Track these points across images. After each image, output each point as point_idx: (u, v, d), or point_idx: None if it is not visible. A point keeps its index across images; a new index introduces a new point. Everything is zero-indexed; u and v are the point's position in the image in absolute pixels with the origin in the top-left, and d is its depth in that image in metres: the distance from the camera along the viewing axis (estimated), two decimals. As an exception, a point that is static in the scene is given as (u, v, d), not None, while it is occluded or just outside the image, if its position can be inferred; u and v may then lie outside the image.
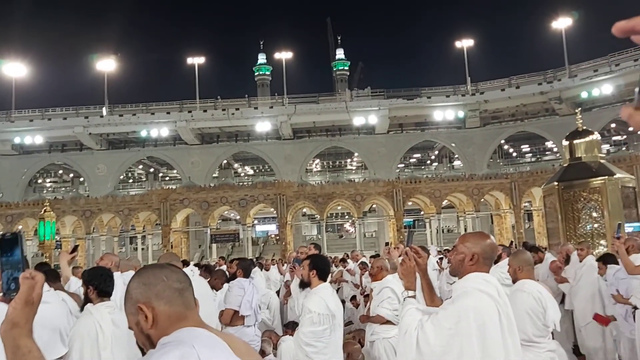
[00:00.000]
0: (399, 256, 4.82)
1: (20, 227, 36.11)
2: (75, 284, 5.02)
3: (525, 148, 53.15)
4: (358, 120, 44.82)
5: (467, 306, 2.63)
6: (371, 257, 13.62)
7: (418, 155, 54.68)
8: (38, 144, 45.11)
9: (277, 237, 40.36)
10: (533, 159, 53.25)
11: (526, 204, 38.01)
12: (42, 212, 13.83)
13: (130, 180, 55.16)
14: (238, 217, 38.77)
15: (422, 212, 40.69)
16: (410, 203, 38.21)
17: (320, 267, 4.81)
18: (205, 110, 45.80)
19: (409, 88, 47.74)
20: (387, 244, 9.82)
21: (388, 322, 5.59)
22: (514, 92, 43.60)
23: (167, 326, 1.45)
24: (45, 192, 51.48)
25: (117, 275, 4.75)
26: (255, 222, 42.73)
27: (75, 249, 5.53)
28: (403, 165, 52.61)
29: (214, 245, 39.85)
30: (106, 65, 48.11)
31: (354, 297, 10.08)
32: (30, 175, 47.32)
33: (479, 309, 2.62)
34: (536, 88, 43.04)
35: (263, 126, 45.03)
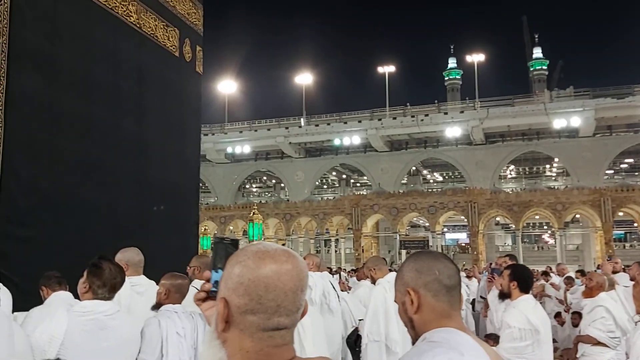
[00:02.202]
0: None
1: (231, 227, 40.41)
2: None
3: None
4: (558, 123, 41.44)
5: None
6: (577, 272, 12.49)
7: (630, 160, 48.57)
8: (246, 153, 50.11)
9: (466, 246, 39.11)
10: None
11: None
12: (251, 215, 15.31)
13: (325, 186, 58.12)
14: (427, 224, 38.48)
15: (635, 224, 36.04)
16: (621, 213, 34.13)
17: (522, 278, 4.55)
18: (394, 118, 46.42)
19: (619, 86, 42.80)
20: (609, 258, 8.89)
21: (600, 343, 5.09)
22: None
23: (431, 319, 1.47)
24: (251, 196, 56.81)
25: (317, 275, 5.08)
26: (445, 229, 41.94)
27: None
28: (612, 171, 47.22)
29: (403, 251, 40.07)
30: (304, 78, 51.70)
31: (558, 314, 9.34)
32: (240, 181, 52.63)
33: None
34: None
35: (453, 131, 44.11)
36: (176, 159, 11.27)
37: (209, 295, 1.20)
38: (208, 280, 1.18)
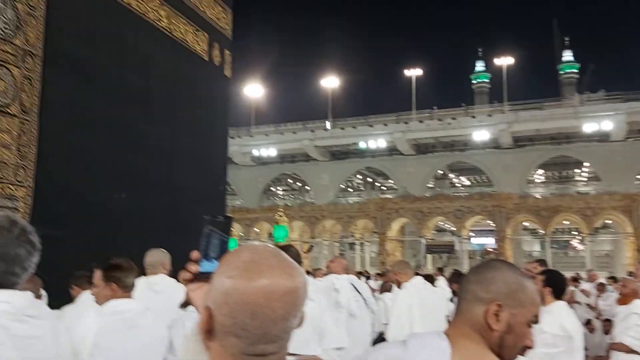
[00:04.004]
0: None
1: (256, 229, 40.65)
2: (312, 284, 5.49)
3: None
4: (589, 127, 40.65)
5: None
6: (608, 278, 12.24)
7: (665, 165, 47.31)
8: (272, 155, 50.38)
9: (493, 251, 38.61)
10: None
11: None
12: (276, 217, 15.40)
13: (350, 189, 58.05)
14: (453, 229, 38.12)
15: (669, 231, 35.07)
16: (654, 220, 33.27)
17: (556, 283, 4.49)
18: (421, 121, 46.14)
19: (653, 89, 41.76)
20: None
21: (633, 351, 4.98)
22: None
23: None
24: (277, 199, 57.05)
25: (344, 277, 5.09)
26: (472, 234, 41.49)
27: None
28: (646, 176, 46.11)
29: (429, 256, 39.75)
30: (329, 82, 51.79)
31: (589, 321, 9.16)
32: (265, 184, 52.89)
33: None
34: None
35: (480, 135, 43.62)
36: (204, 162, 11.41)
37: (196, 277, 1.12)
38: (196, 261, 1.11)
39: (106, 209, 8.63)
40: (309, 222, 39.39)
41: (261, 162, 51.69)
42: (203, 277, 1.10)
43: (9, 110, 7.42)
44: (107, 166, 8.90)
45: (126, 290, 2.78)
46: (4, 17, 7.31)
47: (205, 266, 1.11)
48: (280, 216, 15.21)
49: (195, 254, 1.12)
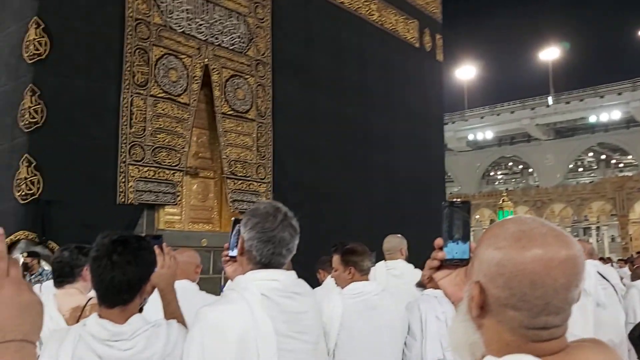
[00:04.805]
0: None
1: (477, 216, 39.50)
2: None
3: None
4: None
5: None
6: None
7: None
8: (489, 139, 48.36)
9: None
10: None
11: None
12: (500, 203, 14.72)
13: (580, 169, 52.85)
14: None
15: None
16: None
17: None
18: (664, 85, 39.79)
19: None
20: None
21: None
22: None
23: None
24: (496, 183, 54.65)
25: (589, 263, 4.60)
26: None
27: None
28: None
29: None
30: (549, 54, 47.67)
31: None
32: (483, 169, 51.04)
33: None
34: None
35: None
36: (421, 149, 11.48)
37: (443, 264, 1.09)
38: (440, 249, 1.08)
39: (333, 198, 9.24)
40: (535, 207, 36.87)
41: (477, 146, 50.01)
42: (452, 264, 1.08)
43: (248, 116, 8.40)
44: (331, 158, 9.53)
45: (363, 273, 2.89)
46: (238, 32, 8.28)
47: (452, 248, 1.09)
48: (504, 201, 14.48)
49: (438, 241, 1.10)
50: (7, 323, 0.77)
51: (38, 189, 5.92)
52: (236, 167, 7.96)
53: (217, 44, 7.87)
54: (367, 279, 2.93)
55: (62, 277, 2.44)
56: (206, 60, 7.69)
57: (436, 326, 3.18)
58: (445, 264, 1.09)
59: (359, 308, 2.79)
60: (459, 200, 1.16)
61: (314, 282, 4.07)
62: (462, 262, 1.07)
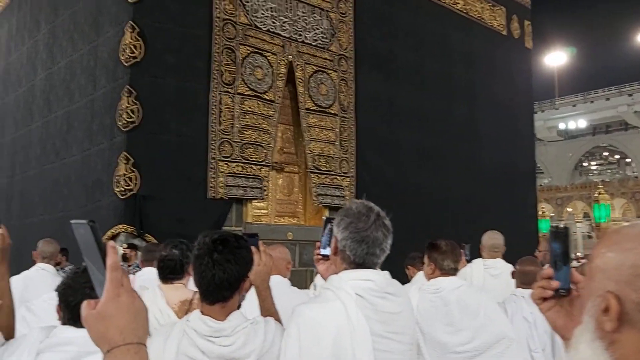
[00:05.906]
0: None
1: (569, 209, 37.52)
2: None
3: None
4: None
5: None
6: None
7: None
8: (582, 127, 45.78)
9: None
10: None
11: None
12: (595, 195, 13.89)
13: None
14: None
15: None
16: None
17: None
18: None
19: None
20: None
21: None
22: None
23: None
24: (590, 174, 51.64)
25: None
26: None
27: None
28: None
29: None
30: (650, 34, 44.26)
31: None
32: (576, 159, 48.40)
33: None
34: None
35: None
36: (508, 140, 11.03)
37: (555, 295, 1.05)
38: (549, 278, 1.04)
39: (415, 191, 9.12)
40: (634, 200, 34.48)
41: (569, 135, 47.46)
42: (558, 294, 1.04)
43: (331, 110, 8.45)
44: (413, 151, 9.40)
45: (443, 271, 2.81)
46: (321, 28, 8.33)
47: (558, 277, 1.05)
48: (601, 193, 13.64)
49: (547, 272, 1.06)
50: (126, 327, 0.84)
51: (136, 184, 6.28)
52: (320, 161, 8.05)
53: (300, 40, 7.97)
54: (447, 275, 2.84)
55: (174, 274, 2.53)
56: (290, 57, 7.81)
57: (524, 326, 3.07)
58: (556, 295, 1.05)
59: (435, 303, 2.74)
60: (561, 226, 1.13)
61: (401, 278, 4.01)
62: (567, 293, 1.04)
